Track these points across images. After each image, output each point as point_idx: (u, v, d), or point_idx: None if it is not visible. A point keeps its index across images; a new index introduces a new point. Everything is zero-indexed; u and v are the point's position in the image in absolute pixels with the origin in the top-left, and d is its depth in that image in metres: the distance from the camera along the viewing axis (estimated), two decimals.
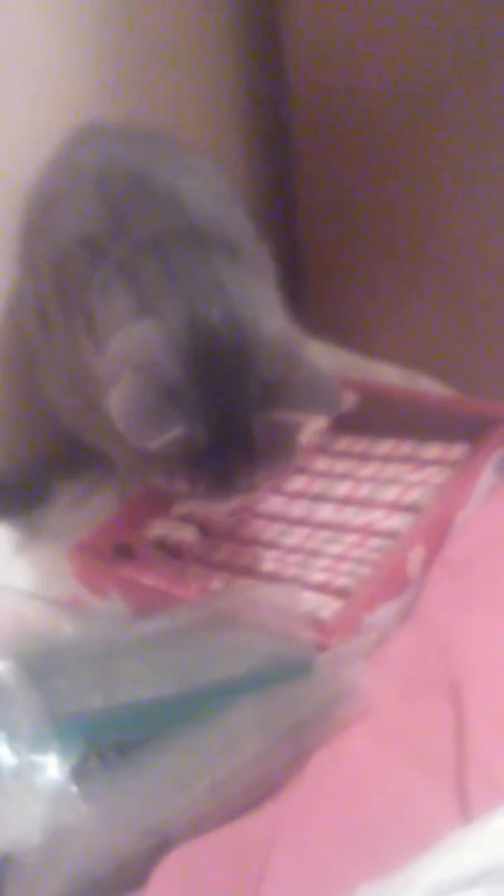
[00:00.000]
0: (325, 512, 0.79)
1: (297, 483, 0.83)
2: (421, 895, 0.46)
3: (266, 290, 0.72)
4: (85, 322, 0.72)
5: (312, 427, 0.87)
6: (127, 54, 0.88)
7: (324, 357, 0.99)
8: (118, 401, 0.63)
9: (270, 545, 0.77)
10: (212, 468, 0.65)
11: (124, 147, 0.78)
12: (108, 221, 0.72)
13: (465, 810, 0.51)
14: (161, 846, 0.54)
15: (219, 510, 0.74)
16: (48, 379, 0.83)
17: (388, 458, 0.82)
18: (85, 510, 0.89)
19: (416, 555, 0.70)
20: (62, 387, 0.81)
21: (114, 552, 0.77)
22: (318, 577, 0.71)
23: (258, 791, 0.56)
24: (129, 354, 0.66)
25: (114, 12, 0.86)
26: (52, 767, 0.54)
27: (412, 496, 0.77)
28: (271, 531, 0.78)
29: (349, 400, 0.88)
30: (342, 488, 0.80)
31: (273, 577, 0.73)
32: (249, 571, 0.74)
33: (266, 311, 0.68)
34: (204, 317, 0.65)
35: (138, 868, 0.53)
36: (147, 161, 0.76)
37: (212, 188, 0.77)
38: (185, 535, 0.78)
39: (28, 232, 0.80)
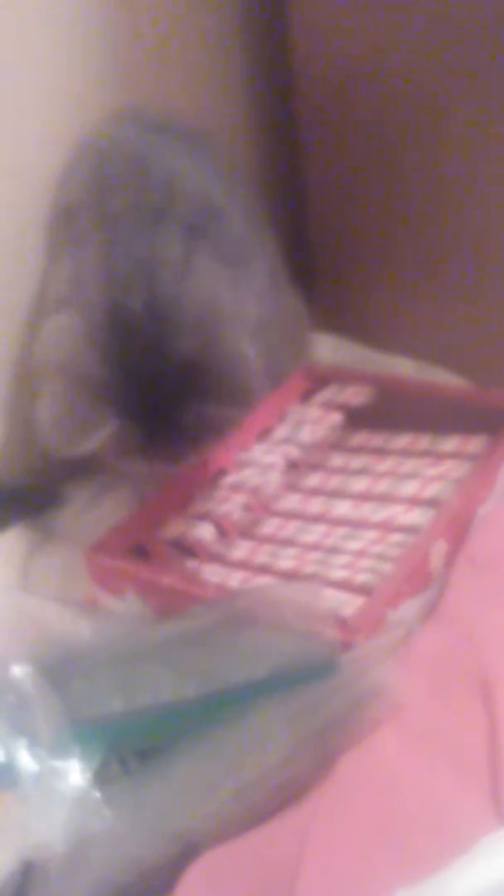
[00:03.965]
0: (343, 508, 0.77)
1: (314, 479, 0.82)
2: None
3: (221, 275, 0.70)
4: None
5: (327, 423, 0.86)
6: (134, 44, 0.88)
7: (337, 352, 0.98)
8: (43, 411, 0.64)
9: (288, 543, 0.76)
10: (150, 450, 0.66)
11: (139, 131, 0.77)
12: (90, 194, 0.72)
13: (501, 812, 0.50)
14: (187, 853, 0.53)
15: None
16: None
17: (405, 453, 0.81)
18: (98, 511, 0.88)
19: (439, 550, 0.69)
20: None
21: (130, 553, 0.76)
22: (339, 574, 0.70)
23: (285, 795, 0.54)
24: (50, 356, 0.66)
25: (119, 1, 0.85)
26: (74, 773, 0.53)
27: (432, 490, 0.76)
28: (288, 528, 0.77)
29: (364, 394, 0.87)
30: (360, 484, 0.79)
31: (292, 575, 0.72)
32: (268, 569, 0.73)
33: (196, 288, 0.67)
34: (123, 307, 0.65)
35: (164, 875, 0.52)
36: (155, 144, 0.75)
37: (214, 178, 0.76)
38: (202, 534, 0.77)
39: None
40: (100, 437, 0.62)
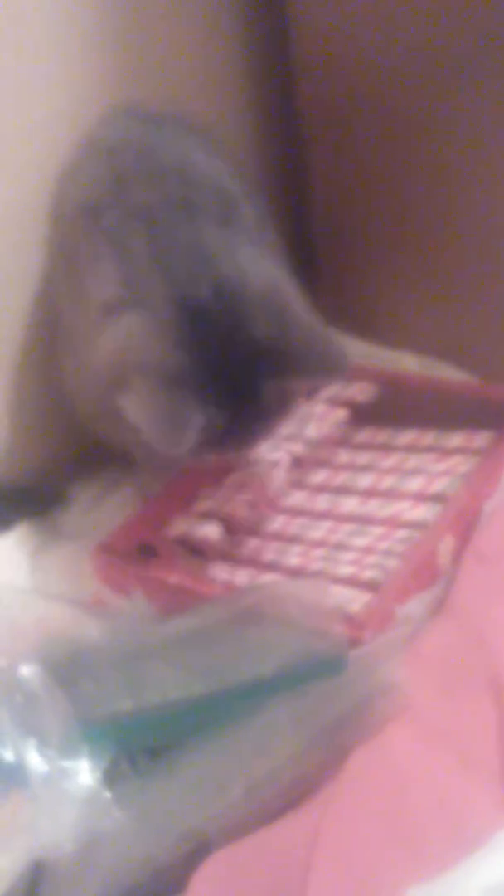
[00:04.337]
0: (349, 504, 0.77)
1: (319, 476, 0.81)
2: None
3: (261, 256, 0.71)
4: (79, 297, 0.71)
5: (332, 419, 0.86)
6: (135, 38, 0.87)
7: None
8: (139, 414, 0.63)
9: (294, 540, 0.76)
10: (230, 437, 0.66)
11: (144, 125, 0.77)
12: (110, 190, 0.71)
13: None
14: (198, 852, 0.52)
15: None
16: (65, 367, 0.82)
17: (410, 448, 0.81)
18: (103, 510, 0.88)
19: (446, 545, 0.69)
20: (80, 373, 0.80)
21: (136, 552, 0.76)
22: (345, 570, 0.70)
23: (295, 793, 0.54)
24: (128, 357, 0.65)
25: None
26: (84, 773, 0.53)
27: (438, 486, 0.75)
28: (294, 525, 0.77)
29: (368, 390, 0.87)
30: (365, 480, 0.79)
31: (298, 572, 0.72)
32: (274, 567, 0.73)
33: (253, 271, 0.67)
34: (191, 298, 0.65)
35: (175, 875, 0.52)
36: (162, 137, 0.75)
37: (221, 165, 0.76)
38: (208, 532, 0.77)
39: (53, 212, 0.80)
40: (198, 428, 0.62)
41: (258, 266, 0.68)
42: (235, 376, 0.64)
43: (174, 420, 0.62)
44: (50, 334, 0.84)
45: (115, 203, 0.70)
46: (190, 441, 0.62)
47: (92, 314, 0.69)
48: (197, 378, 0.63)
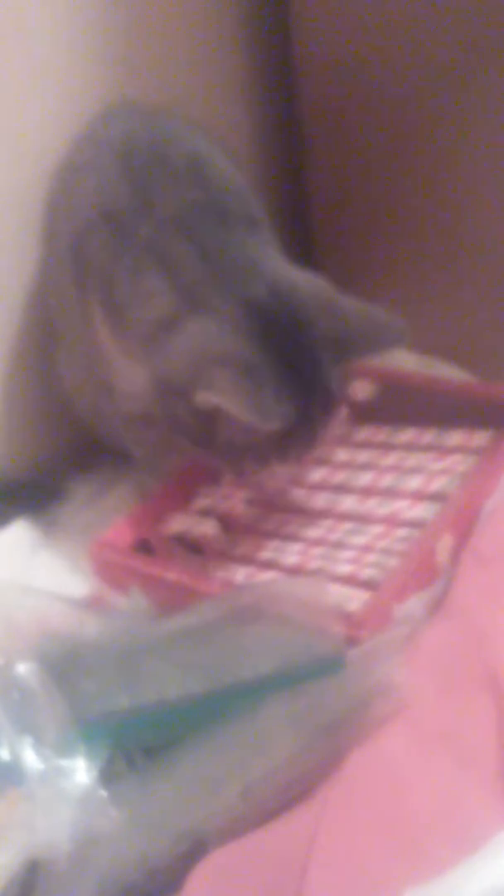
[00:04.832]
0: (348, 503, 0.77)
1: (318, 474, 0.81)
2: None
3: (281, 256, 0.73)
4: (104, 301, 0.71)
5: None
6: (136, 36, 0.87)
7: None
8: (228, 399, 0.64)
9: (293, 538, 0.76)
10: (299, 434, 0.68)
11: (147, 122, 0.78)
12: (132, 196, 0.72)
13: None
14: (194, 851, 0.52)
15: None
16: (65, 365, 0.82)
17: (410, 447, 0.81)
18: (101, 506, 0.88)
19: (445, 544, 0.68)
20: (78, 372, 0.80)
21: (134, 548, 0.75)
22: (344, 569, 0.70)
23: (291, 793, 0.54)
24: (205, 355, 0.67)
25: None
26: (80, 771, 0.53)
27: (437, 485, 0.75)
28: (293, 524, 0.77)
29: (368, 389, 0.87)
30: (364, 479, 0.79)
31: (296, 571, 0.72)
32: (272, 565, 0.73)
33: (293, 274, 0.70)
34: (253, 298, 0.67)
35: (171, 874, 0.52)
36: (168, 136, 0.76)
37: (228, 162, 0.77)
38: (206, 529, 0.77)
39: (51, 208, 0.79)
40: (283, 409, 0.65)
41: (291, 266, 0.71)
42: (303, 369, 0.66)
43: (262, 397, 0.64)
44: (46, 333, 0.83)
45: (144, 213, 0.70)
46: (279, 415, 0.64)
47: (142, 331, 0.70)
48: (272, 373, 0.65)
